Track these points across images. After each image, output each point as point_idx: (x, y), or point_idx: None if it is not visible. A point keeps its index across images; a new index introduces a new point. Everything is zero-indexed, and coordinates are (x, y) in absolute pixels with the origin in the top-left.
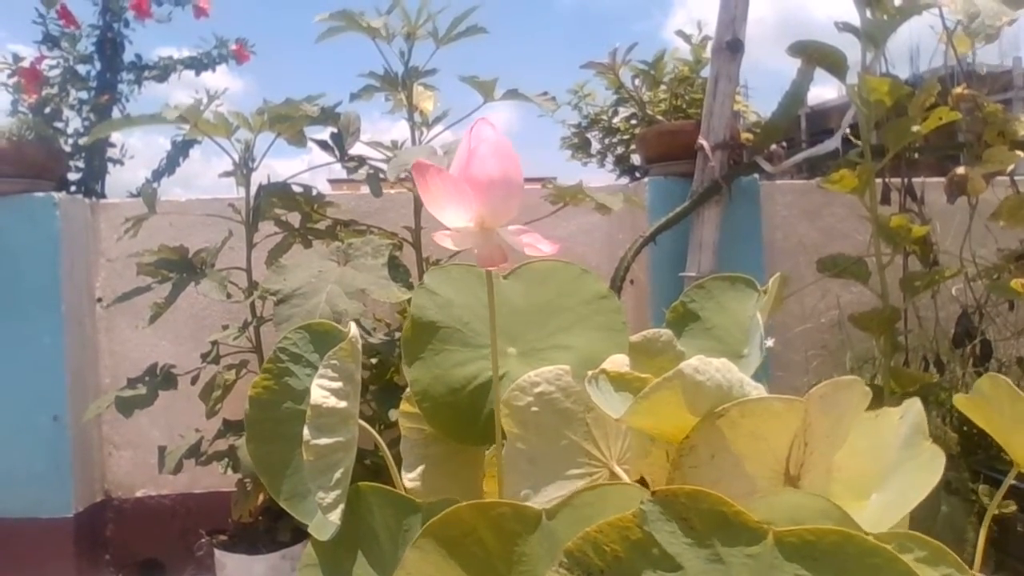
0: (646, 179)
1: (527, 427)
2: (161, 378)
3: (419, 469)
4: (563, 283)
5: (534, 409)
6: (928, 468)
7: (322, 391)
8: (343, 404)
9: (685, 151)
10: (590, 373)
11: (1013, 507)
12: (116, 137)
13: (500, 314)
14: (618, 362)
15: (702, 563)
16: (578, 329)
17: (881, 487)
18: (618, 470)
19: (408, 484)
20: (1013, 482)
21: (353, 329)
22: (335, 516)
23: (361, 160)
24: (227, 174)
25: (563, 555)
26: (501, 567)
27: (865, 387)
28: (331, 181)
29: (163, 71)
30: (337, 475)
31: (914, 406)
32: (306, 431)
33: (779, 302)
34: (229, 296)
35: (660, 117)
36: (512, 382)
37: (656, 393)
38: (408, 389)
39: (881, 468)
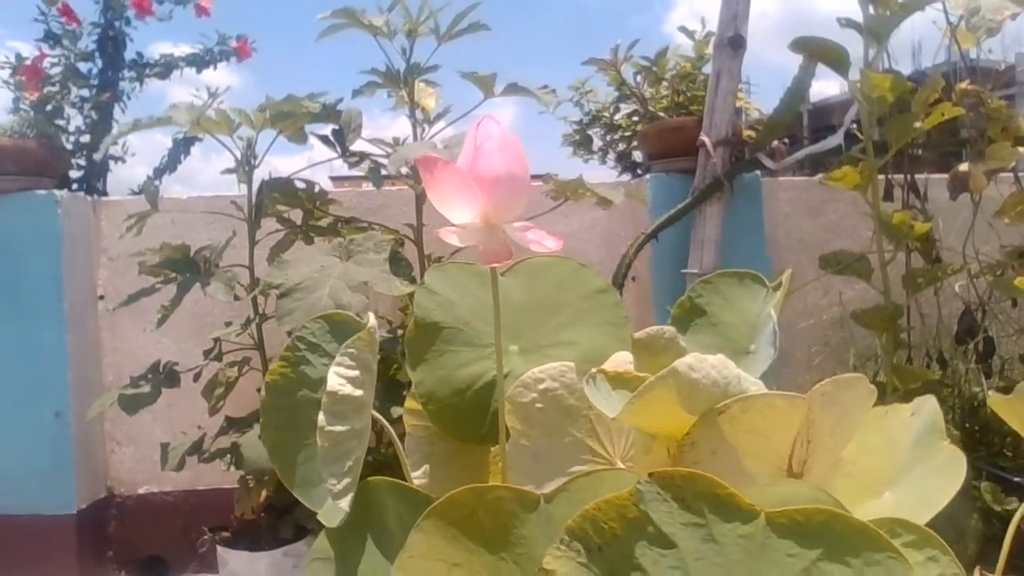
0: (648, 176)
1: (531, 424)
2: (164, 376)
3: (424, 467)
4: (561, 278)
5: (538, 406)
6: (948, 471)
7: (339, 378)
8: (359, 392)
9: (687, 148)
10: (591, 371)
11: (1015, 504)
12: None
13: (500, 310)
14: (622, 359)
15: (696, 542)
16: (579, 325)
17: (895, 485)
18: (622, 467)
19: (414, 482)
20: (1017, 479)
21: (372, 320)
22: (345, 503)
23: (363, 155)
24: (229, 171)
25: (564, 532)
26: (501, 548)
27: (869, 384)
28: (333, 179)
29: (164, 68)
30: (349, 463)
31: (928, 404)
32: (321, 417)
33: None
34: (237, 298)
35: (662, 114)
36: (515, 380)
37: (651, 392)
38: (412, 387)
39: (893, 466)
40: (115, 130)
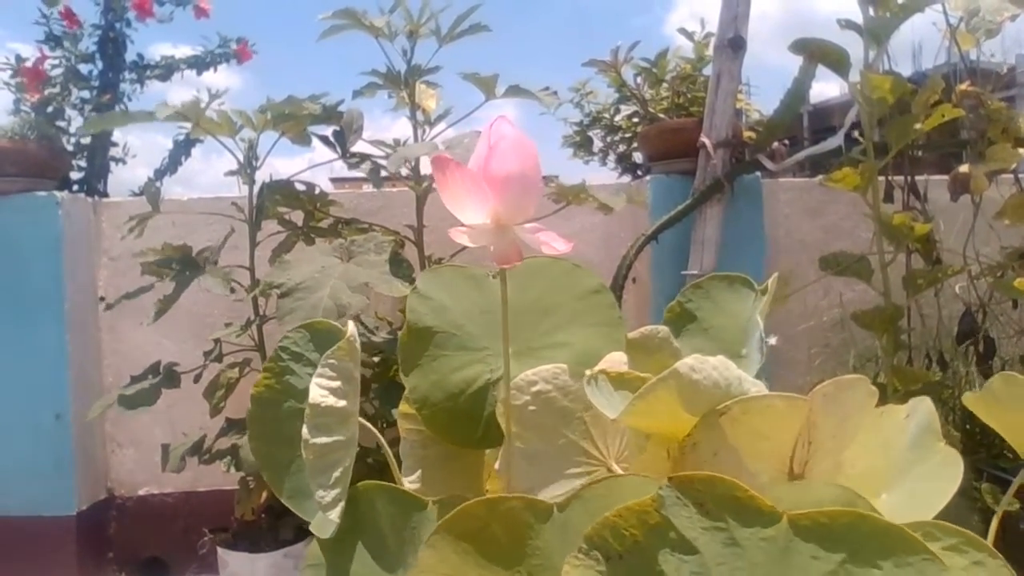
0: (648, 177)
1: (525, 426)
2: (164, 376)
3: (420, 471)
4: (554, 279)
5: (532, 408)
6: (944, 473)
7: (320, 390)
8: (342, 403)
9: (687, 149)
10: (588, 372)
11: (1016, 505)
12: (117, 136)
13: (494, 313)
14: (616, 360)
15: (718, 546)
16: (573, 326)
17: (891, 488)
18: (616, 468)
19: (408, 486)
20: (1013, 479)
21: (351, 328)
22: (335, 514)
23: (363, 157)
24: (231, 173)
25: (583, 540)
26: (515, 560)
27: (871, 386)
28: (333, 180)
29: (165, 70)
30: (337, 474)
31: (923, 405)
32: (305, 430)
33: (781, 300)
34: (232, 291)
35: (662, 115)
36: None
37: (652, 393)
38: (407, 391)
39: (889, 468)
40: (104, 116)
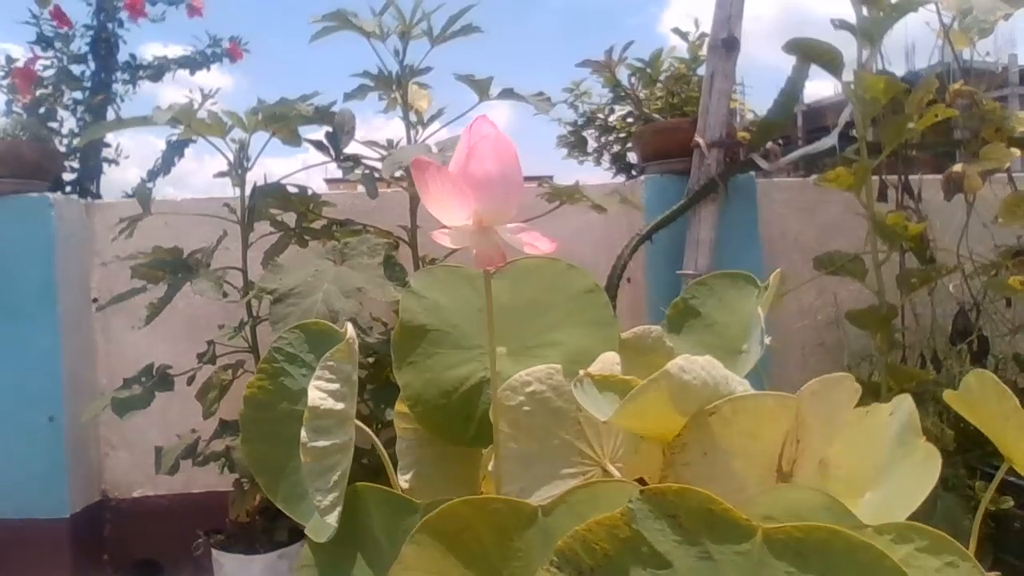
0: (642, 177)
1: (519, 427)
2: (157, 379)
3: (415, 470)
4: (549, 279)
5: (526, 408)
6: (924, 469)
7: (320, 392)
8: (341, 406)
9: (681, 149)
10: (578, 375)
11: (1010, 503)
12: (110, 137)
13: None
14: (609, 360)
15: (692, 560)
16: (567, 325)
17: (875, 486)
18: (611, 468)
19: (404, 485)
20: (1010, 478)
21: (350, 330)
22: (333, 518)
23: (356, 160)
24: (222, 174)
25: (554, 554)
26: (497, 562)
27: (855, 383)
28: (328, 180)
29: (157, 70)
30: (335, 477)
31: (904, 403)
32: (304, 433)
33: (777, 299)
34: (225, 295)
35: (656, 115)
36: (503, 381)
37: (643, 395)
38: (401, 389)
39: (873, 466)
40: (98, 124)
